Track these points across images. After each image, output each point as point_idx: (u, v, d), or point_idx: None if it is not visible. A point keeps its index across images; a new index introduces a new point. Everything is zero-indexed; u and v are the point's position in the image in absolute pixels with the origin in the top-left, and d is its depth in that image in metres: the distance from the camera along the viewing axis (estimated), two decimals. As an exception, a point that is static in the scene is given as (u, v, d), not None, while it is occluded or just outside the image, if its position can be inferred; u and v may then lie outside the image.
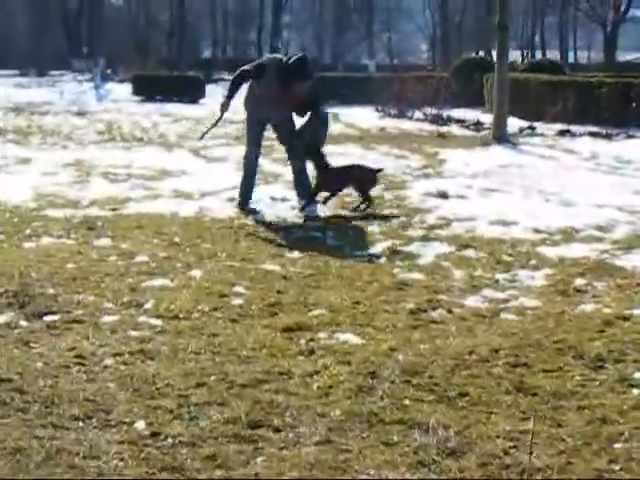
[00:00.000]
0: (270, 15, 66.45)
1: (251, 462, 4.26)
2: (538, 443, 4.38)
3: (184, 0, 61.78)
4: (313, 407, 4.87)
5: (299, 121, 11.17)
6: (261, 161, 11.64)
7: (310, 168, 11.30)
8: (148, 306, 6.71)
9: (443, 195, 11.89)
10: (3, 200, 11.17)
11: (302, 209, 10.87)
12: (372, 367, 5.48)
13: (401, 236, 9.51)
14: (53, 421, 4.62)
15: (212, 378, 5.27)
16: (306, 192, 11.09)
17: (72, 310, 6.58)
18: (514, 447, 4.41)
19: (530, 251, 8.84)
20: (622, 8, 54.06)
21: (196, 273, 7.76)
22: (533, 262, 8.40)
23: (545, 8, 67.57)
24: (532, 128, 22.66)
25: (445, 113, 25.16)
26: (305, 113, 11.02)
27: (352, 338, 6.07)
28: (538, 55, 63.34)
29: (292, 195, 11.35)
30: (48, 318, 6.37)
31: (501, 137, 19.35)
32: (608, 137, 20.78)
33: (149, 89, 34.62)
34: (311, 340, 6.02)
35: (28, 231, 9.43)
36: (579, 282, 7.65)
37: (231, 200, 11.28)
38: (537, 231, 9.74)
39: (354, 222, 10.44)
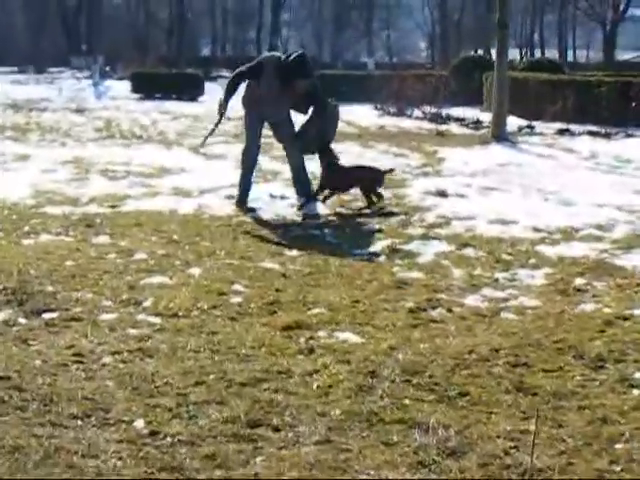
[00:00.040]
0: (269, 13, 66.45)
1: (250, 462, 4.24)
2: (539, 443, 4.35)
3: (183, -2, 61.80)
4: (313, 406, 4.86)
5: (301, 118, 11.15)
6: (260, 159, 11.62)
7: (310, 166, 11.28)
8: (147, 304, 6.69)
9: (442, 194, 11.88)
10: (1, 197, 11.15)
11: (301, 207, 10.85)
12: (372, 366, 5.46)
13: (400, 235, 9.49)
14: (51, 419, 4.60)
15: (211, 377, 5.25)
16: (305, 190, 11.07)
17: (71, 308, 6.56)
18: (515, 447, 4.39)
19: (530, 250, 8.83)
20: (621, 7, 54.06)
21: (195, 271, 7.74)
22: (533, 261, 8.38)
23: (544, 6, 67.57)
24: (531, 127, 22.66)
25: (444, 111, 25.15)
26: (307, 110, 11.00)
27: (352, 337, 6.05)
28: (537, 54, 63.39)
29: (291, 193, 11.33)
30: (47, 316, 6.35)
31: (500, 136, 19.34)
32: (607, 136, 20.78)
33: (148, 87, 34.59)
34: (310, 339, 6.00)
35: (27, 228, 9.41)
36: (579, 281, 7.63)
37: (230, 198, 11.26)
38: (536, 230, 9.72)
39: (353, 220, 10.43)
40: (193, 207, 10.82)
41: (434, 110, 24.99)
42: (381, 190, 11.08)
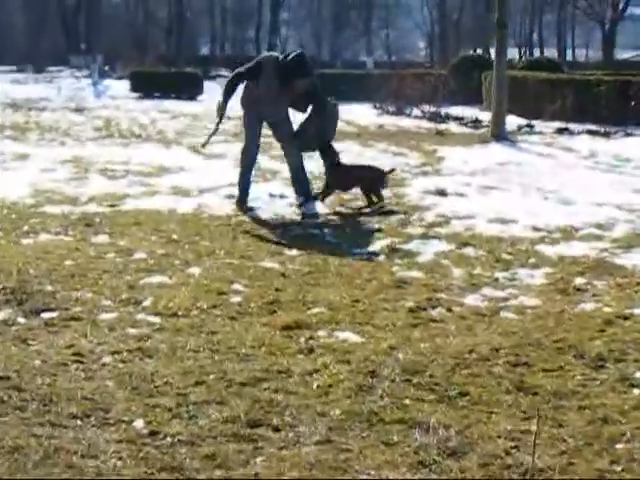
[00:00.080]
0: (268, 12, 66.42)
1: (251, 462, 4.23)
2: (539, 443, 4.34)
3: (182, -3, 61.76)
4: (313, 406, 4.85)
5: (299, 117, 11.13)
6: (259, 158, 11.60)
7: (309, 166, 11.27)
8: (146, 303, 6.68)
9: (442, 193, 11.87)
10: (1, 196, 11.13)
11: (300, 206, 10.83)
12: (372, 366, 5.45)
13: (400, 234, 9.49)
14: (51, 419, 4.59)
15: (211, 376, 5.24)
16: (304, 189, 11.05)
17: (70, 307, 6.55)
18: (515, 447, 4.38)
19: (529, 249, 8.82)
20: (620, 6, 54.02)
21: (194, 270, 7.73)
22: (533, 260, 8.38)
23: (543, 6, 67.54)
24: (530, 126, 22.66)
25: (443, 111, 25.15)
26: (306, 108, 10.99)
27: (352, 336, 6.04)
28: (536, 53, 63.37)
29: (290, 192, 11.31)
30: (46, 315, 6.34)
31: (499, 135, 19.34)
32: (606, 135, 20.78)
33: (147, 86, 34.60)
34: (310, 338, 5.99)
35: (26, 228, 9.40)
36: (579, 281, 7.62)
37: (229, 197, 11.25)
38: (536, 229, 9.71)
39: (353, 220, 10.42)
40: (192, 206, 10.80)
41: (433, 109, 25.00)
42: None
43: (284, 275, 7.70)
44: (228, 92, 10.79)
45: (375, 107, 28.29)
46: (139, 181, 12.70)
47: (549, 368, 5.51)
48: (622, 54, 58.14)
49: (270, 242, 9.14)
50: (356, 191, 11.31)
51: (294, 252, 8.61)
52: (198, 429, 4.53)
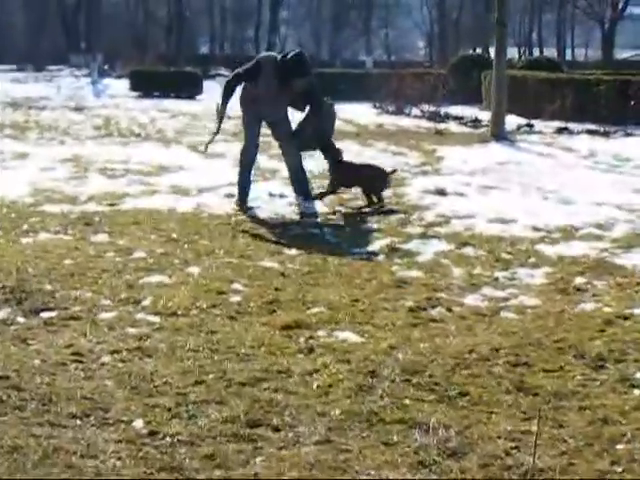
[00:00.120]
0: (268, 11, 66.36)
1: (250, 462, 4.22)
2: (540, 444, 4.33)
3: (182, -4, 61.72)
4: (313, 406, 4.84)
5: (297, 116, 11.12)
6: (258, 157, 11.59)
7: (309, 165, 11.26)
8: (146, 303, 6.67)
9: (441, 192, 11.86)
10: (0, 195, 11.12)
11: (299, 206, 10.82)
12: (372, 366, 5.44)
13: (400, 233, 9.48)
14: (50, 419, 4.58)
15: (210, 376, 5.23)
16: (303, 188, 11.03)
17: (69, 306, 6.54)
18: (515, 448, 4.37)
19: (529, 249, 8.81)
20: (620, 5, 54.00)
21: (194, 270, 7.72)
22: (532, 260, 8.37)
23: (543, 5, 67.48)
24: (530, 126, 22.66)
25: (443, 110, 25.16)
26: (305, 107, 10.98)
27: (351, 336, 6.03)
28: (535, 53, 63.33)
29: (290, 191, 11.30)
30: (45, 315, 6.33)
31: (499, 134, 19.34)
32: (606, 135, 20.78)
33: (147, 85, 34.60)
34: (310, 338, 5.98)
35: (25, 227, 9.39)
36: (579, 281, 7.62)
37: (229, 196, 11.24)
38: (536, 229, 9.71)
39: (352, 219, 10.41)
40: (192, 206, 10.79)
41: (433, 109, 25.00)
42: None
43: (284, 275, 7.70)
44: (227, 94, 10.77)
45: (374, 106, 28.28)
46: (138, 180, 12.69)
47: (549, 368, 5.50)
48: (621, 54, 58.11)
49: (270, 241, 9.13)
50: (356, 191, 11.30)
51: (294, 252, 8.60)
52: (197, 429, 4.52)
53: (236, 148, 12.64)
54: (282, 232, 9.62)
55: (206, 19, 70.65)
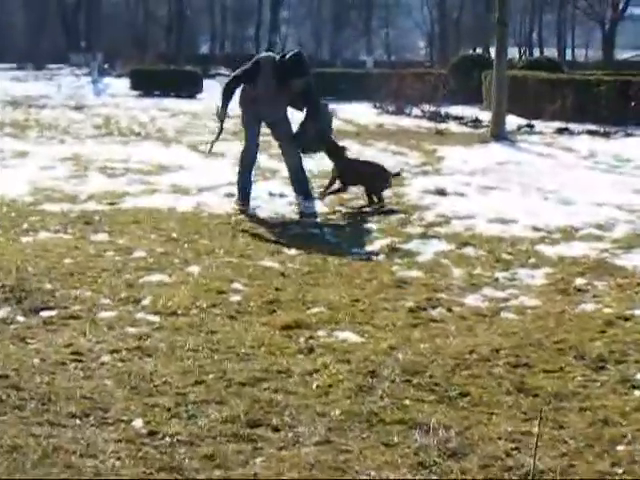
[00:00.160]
0: (268, 11, 66.35)
1: (250, 462, 4.21)
2: (540, 445, 4.32)
3: (182, -5, 61.76)
4: (312, 406, 4.83)
5: (296, 115, 11.10)
6: (258, 157, 11.56)
7: (309, 165, 11.24)
8: (146, 302, 6.66)
9: (441, 192, 11.85)
10: (0, 194, 11.11)
11: (299, 205, 10.80)
12: (372, 366, 5.43)
13: (400, 233, 9.47)
14: (50, 419, 4.57)
15: (210, 376, 5.22)
16: (303, 188, 11.01)
17: (69, 306, 6.53)
18: (516, 449, 4.36)
19: (530, 249, 8.80)
20: (620, 6, 53.95)
21: (194, 269, 7.71)
22: (533, 261, 8.36)
23: (543, 5, 67.46)
24: (530, 126, 22.66)
25: (443, 110, 25.15)
26: (303, 107, 10.95)
27: (351, 336, 6.02)
28: (536, 53, 63.31)
29: (290, 191, 11.28)
30: (45, 314, 6.32)
31: (499, 135, 19.33)
32: (606, 135, 20.77)
33: (147, 84, 34.62)
34: (310, 338, 5.97)
35: (25, 225, 9.38)
36: (579, 281, 7.60)
37: (229, 196, 11.22)
38: (536, 229, 9.70)
39: (352, 219, 10.40)
40: (192, 205, 10.78)
41: (433, 109, 24.99)
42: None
43: (284, 274, 7.69)
44: (226, 97, 10.74)
45: (375, 106, 28.28)
46: (138, 179, 12.69)
47: (549, 369, 5.49)
48: (622, 54, 58.09)
49: (269, 241, 9.12)
50: (356, 190, 11.29)
51: (294, 251, 8.59)
52: (197, 429, 4.51)
53: (236, 147, 12.64)
54: (282, 232, 9.61)
55: (206, 18, 70.65)
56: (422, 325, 6.36)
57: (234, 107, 11.04)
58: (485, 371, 5.44)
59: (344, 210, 10.84)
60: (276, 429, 4.56)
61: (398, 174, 11.62)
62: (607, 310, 6.77)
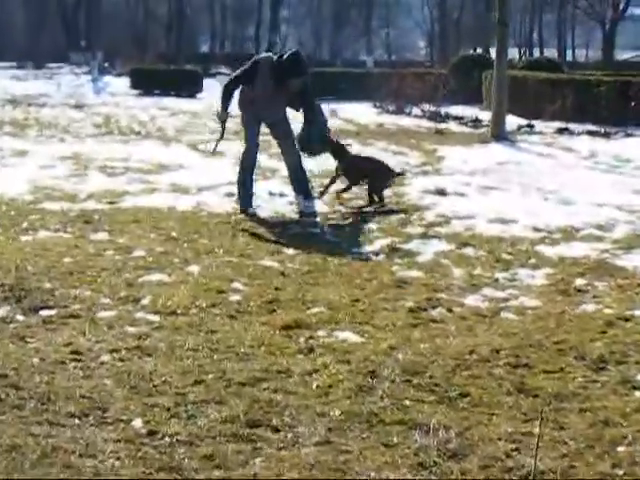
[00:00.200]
0: (268, 10, 66.34)
1: (250, 462, 4.20)
2: (540, 446, 4.31)
3: (182, -6, 61.76)
4: (312, 406, 4.82)
5: (296, 116, 11.08)
6: (258, 157, 11.54)
7: (308, 164, 11.23)
8: (145, 302, 6.65)
9: (441, 192, 11.84)
10: (0, 193, 11.12)
11: (299, 204, 10.78)
12: (372, 366, 5.43)
13: (400, 233, 9.46)
14: (49, 418, 4.56)
15: (210, 376, 5.21)
16: (302, 187, 10.99)
17: (69, 305, 6.52)
18: (516, 449, 4.36)
19: (530, 250, 8.79)
20: (621, 6, 53.94)
21: (194, 269, 7.70)
22: (533, 261, 8.35)
23: (543, 6, 67.45)
24: (530, 126, 22.64)
25: (443, 110, 25.13)
26: (299, 108, 10.93)
27: (351, 336, 6.02)
28: (536, 53, 63.32)
29: (290, 191, 11.26)
30: (44, 313, 6.32)
31: (499, 135, 19.32)
32: (606, 135, 20.76)
33: (147, 83, 34.60)
34: (310, 338, 5.97)
35: (25, 224, 9.37)
36: (579, 282, 7.60)
37: (229, 195, 11.21)
38: (536, 229, 9.69)
39: (352, 218, 10.39)
40: (192, 204, 10.78)
41: (433, 108, 24.97)
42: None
43: (283, 274, 7.68)
44: (226, 98, 10.73)
45: (375, 106, 28.26)
46: (138, 178, 12.68)
47: (550, 370, 5.49)
48: (622, 54, 58.10)
49: (269, 241, 9.11)
50: (356, 190, 11.28)
51: (293, 251, 8.58)
52: (197, 429, 4.50)
53: (236, 147, 12.63)
54: (282, 231, 9.60)
55: (206, 17, 70.64)
56: (422, 325, 6.35)
57: (234, 107, 11.03)
58: (485, 371, 5.43)
59: (344, 210, 10.83)
60: (276, 429, 4.55)
61: (402, 174, 11.61)
62: (607, 311, 6.76)
